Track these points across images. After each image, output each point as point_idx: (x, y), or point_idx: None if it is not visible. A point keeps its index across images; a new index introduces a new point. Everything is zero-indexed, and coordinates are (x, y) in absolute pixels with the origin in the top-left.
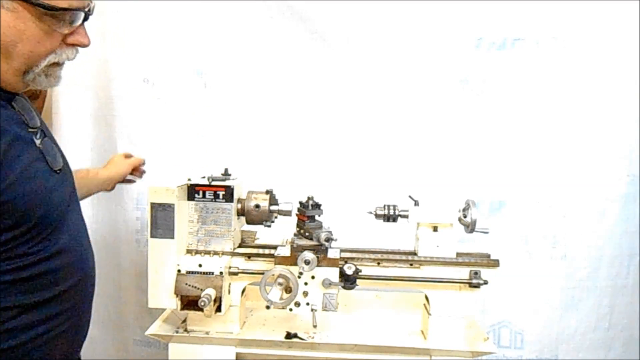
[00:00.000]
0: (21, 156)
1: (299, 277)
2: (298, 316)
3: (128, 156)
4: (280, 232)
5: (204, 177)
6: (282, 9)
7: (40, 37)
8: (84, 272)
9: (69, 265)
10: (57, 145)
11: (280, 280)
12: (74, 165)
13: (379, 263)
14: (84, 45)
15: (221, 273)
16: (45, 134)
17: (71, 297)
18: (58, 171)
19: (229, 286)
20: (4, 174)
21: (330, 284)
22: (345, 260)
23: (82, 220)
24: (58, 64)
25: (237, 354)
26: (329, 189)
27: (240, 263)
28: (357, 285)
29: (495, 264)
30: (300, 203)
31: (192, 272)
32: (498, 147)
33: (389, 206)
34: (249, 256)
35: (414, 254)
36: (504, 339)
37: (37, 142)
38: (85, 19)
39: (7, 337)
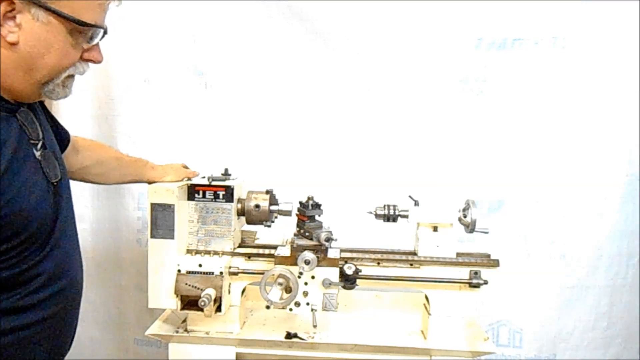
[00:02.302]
0: (20, 171)
1: (299, 277)
2: (298, 316)
3: (185, 167)
4: (280, 232)
5: (204, 177)
6: (282, 9)
7: (66, 51)
8: (70, 278)
9: (55, 272)
10: (57, 157)
11: (280, 280)
12: None
13: (379, 263)
14: (98, 62)
15: (221, 273)
16: (47, 145)
17: (56, 303)
18: (55, 183)
19: (229, 286)
20: (3, 191)
21: (330, 284)
22: (345, 260)
23: (74, 226)
24: (72, 76)
25: (237, 354)
26: (329, 189)
27: (240, 263)
28: (357, 285)
29: (495, 263)
30: (300, 203)
31: (192, 272)
32: (497, 147)
33: (389, 206)
34: (249, 256)
35: (414, 254)
36: (503, 338)
37: (37, 153)
38: (103, 35)
39: None
